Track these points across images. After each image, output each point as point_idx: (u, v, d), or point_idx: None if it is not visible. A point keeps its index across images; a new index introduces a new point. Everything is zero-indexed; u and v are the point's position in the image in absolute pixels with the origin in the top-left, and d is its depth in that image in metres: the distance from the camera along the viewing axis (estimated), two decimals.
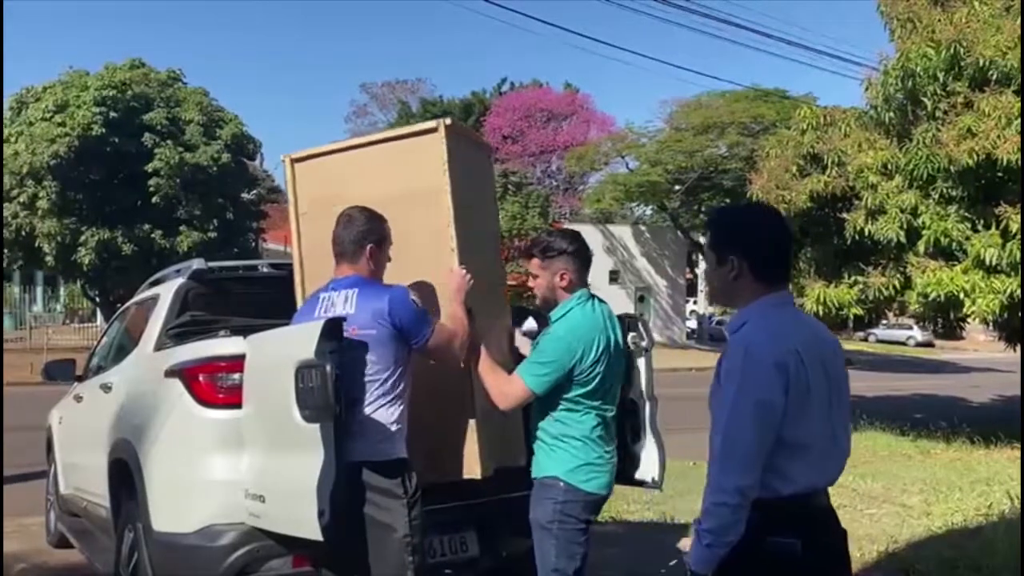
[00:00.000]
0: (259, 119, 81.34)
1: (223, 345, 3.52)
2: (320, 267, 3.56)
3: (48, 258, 23.42)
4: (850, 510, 6.96)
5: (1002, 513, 6.15)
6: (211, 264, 4.63)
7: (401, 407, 3.13)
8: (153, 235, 22.68)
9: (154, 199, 22.53)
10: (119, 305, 24.32)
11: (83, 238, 22.35)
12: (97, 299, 26.26)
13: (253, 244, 26.69)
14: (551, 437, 3.25)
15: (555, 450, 3.24)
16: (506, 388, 3.23)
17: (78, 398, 5.54)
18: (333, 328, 2.89)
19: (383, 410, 3.08)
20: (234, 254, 22.28)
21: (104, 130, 21.97)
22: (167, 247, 22.51)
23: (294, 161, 3.86)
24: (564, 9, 62.29)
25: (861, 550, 5.57)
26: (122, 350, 5.00)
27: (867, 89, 11.20)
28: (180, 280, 4.48)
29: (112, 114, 22.28)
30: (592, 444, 3.24)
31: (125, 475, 3.85)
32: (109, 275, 23.36)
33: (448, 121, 3.44)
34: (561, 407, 3.23)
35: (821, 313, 12.02)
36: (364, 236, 3.23)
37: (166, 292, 4.53)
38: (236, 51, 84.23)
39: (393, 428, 3.09)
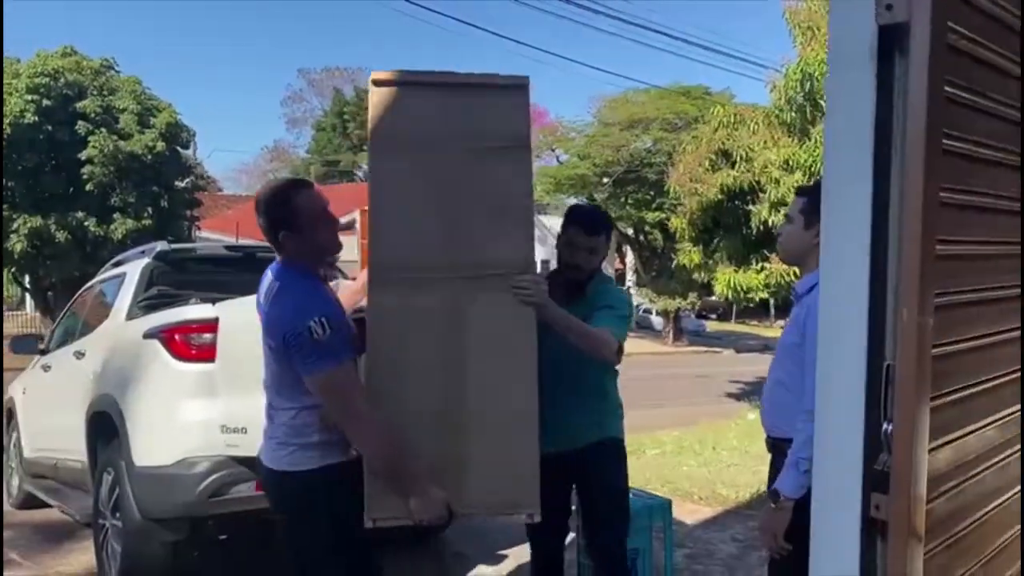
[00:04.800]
0: (193, 108, 79.98)
1: (196, 311, 4.12)
2: None
3: None
4: (742, 468, 7.86)
5: None
6: (173, 246, 5.29)
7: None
8: (87, 223, 22.63)
9: (88, 187, 22.47)
10: (50, 293, 23.89)
11: (15, 225, 22.24)
12: (28, 286, 26.09)
13: (188, 232, 26.72)
14: (616, 399, 3.48)
15: (618, 412, 3.48)
16: (606, 338, 3.07)
17: (46, 368, 6.01)
18: None
19: (302, 415, 2.69)
20: (169, 241, 22.32)
21: (36, 118, 21.85)
22: (101, 234, 22.49)
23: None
24: (502, 15, 62.67)
25: (738, 493, 6.45)
26: (89, 323, 5.51)
27: (771, 91, 12.13)
28: (146, 260, 5.12)
29: (45, 102, 22.14)
30: None
31: (106, 425, 4.43)
32: (41, 262, 23.26)
33: (376, 75, 2.94)
34: (614, 371, 3.43)
35: (731, 296, 13.07)
36: (268, 226, 2.69)
37: (132, 270, 5.14)
38: (170, 34, 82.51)
39: (315, 437, 2.67)
